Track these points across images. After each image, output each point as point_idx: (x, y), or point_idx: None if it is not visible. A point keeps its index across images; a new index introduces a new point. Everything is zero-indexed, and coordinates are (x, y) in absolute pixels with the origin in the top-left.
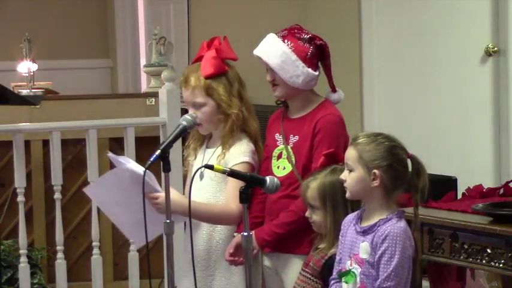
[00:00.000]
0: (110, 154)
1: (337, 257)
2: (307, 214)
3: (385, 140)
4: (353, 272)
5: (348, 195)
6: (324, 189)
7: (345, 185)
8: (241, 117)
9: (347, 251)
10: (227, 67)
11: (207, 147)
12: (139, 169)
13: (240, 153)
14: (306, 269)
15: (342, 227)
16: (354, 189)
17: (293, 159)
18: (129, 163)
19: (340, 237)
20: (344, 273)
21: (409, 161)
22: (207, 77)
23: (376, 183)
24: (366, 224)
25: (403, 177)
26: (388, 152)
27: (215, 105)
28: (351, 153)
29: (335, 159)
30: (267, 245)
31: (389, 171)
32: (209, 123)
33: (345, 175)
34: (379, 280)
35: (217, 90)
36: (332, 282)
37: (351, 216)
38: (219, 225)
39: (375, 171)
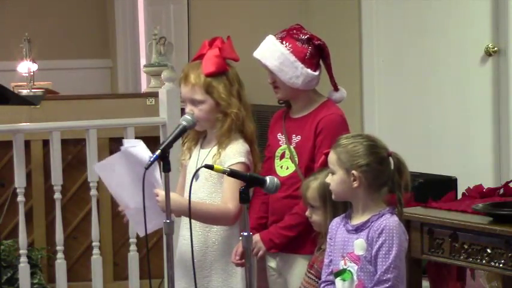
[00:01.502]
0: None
1: (326, 260)
2: (307, 214)
3: (364, 140)
4: (349, 270)
5: (333, 197)
6: (324, 189)
7: (330, 188)
8: (240, 117)
9: (339, 252)
10: (228, 67)
11: (201, 147)
12: (145, 155)
13: (235, 153)
14: (311, 271)
15: (329, 230)
16: (337, 191)
17: (296, 159)
18: (138, 146)
19: (328, 239)
20: (340, 272)
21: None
22: (208, 75)
23: (356, 184)
24: (356, 222)
25: (382, 176)
26: (366, 152)
27: (214, 103)
28: (331, 156)
29: None
30: (276, 247)
31: (368, 171)
32: (205, 121)
33: (329, 178)
34: (379, 273)
35: (218, 89)
36: (323, 285)
37: (338, 219)
38: (214, 226)
39: (354, 172)
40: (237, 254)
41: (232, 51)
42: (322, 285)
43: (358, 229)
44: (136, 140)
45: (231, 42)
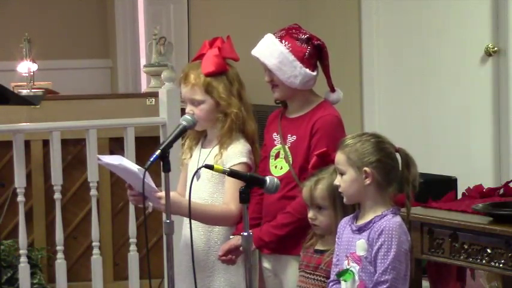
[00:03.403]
0: (100, 161)
1: (334, 259)
2: (310, 215)
3: (371, 137)
4: (351, 271)
5: (345, 200)
6: (333, 189)
7: (340, 190)
8: (241, 117)
9: (343, 251)
10: (228, 66)
11: (202, 146)
12: (134, 167)
13: (237, 154)
14: (317, 272)
15: (338, 230)
16: (349, 192)
17: (290, 159)
18: (123, 161)
19: (336, 239)
20: (342, 273)
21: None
22: (208, 75)
23: (368, 180)
24: (361, 222)
25: (394, 171)
26: (375, 148)
27: (214, 103)
28: (339, 157)
29: (327, 160)
30: (266, 245)
31: (380, 167)
32: (206, 121)
33: (338, 180)
34: (377, 274)
35: (218, 89)
36: (330, 284)
37: (347, 218)
38: (216, 226)
39: (366, 168)
40: (221, 250)
41: (232, 50)
42: (330, 284)
43: (360, 229)
44: (114, 156)
45: (230, 41)
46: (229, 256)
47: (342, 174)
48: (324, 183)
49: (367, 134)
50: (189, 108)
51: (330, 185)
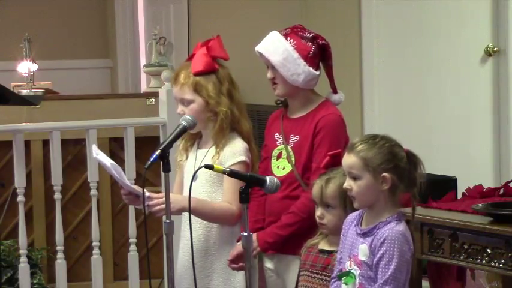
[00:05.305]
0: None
1: (338, 256)
2: (318, 214)
3: (385, 141)
4: (352, 274)
5: (356, 205)
6: (344, 189)
7: (352, 194)
8: (230, 115)
9: (347, 251)
10: (218, 66)
11: (199, 147)
12: (107, 161)
13: (235, 153)
14: (325, 272)
15: (343, 226)
16: (363, 197)
17: (293, 159)
18: (98, 155)
19: (341, 235)
20: (343, 274)
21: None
22: (197, 74)
23: (386, 186)
24: (366, 225)
25: (406, 174)
26: (391, 154)
27: (203, 102)
28: (354, 161)
29: (338, 160)
30: (270, 247)
31: (396, 172)
32: (197, 121)
33: (349, 184)
34: (378, 284)
35: (206, 88)
36: (333, 280)
37: (353, 216)
38: (215, 226)
39: (385, 174)
40: (231, 256)
41: (221, 50)
42: (332, 281)
43: (364, 234)
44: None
45: (220, 41)
46: (240, 264)
47: (355, 178)
48: (335, 182)
49: (379, 137)
50: (180, 109)
51: (341, 185)
